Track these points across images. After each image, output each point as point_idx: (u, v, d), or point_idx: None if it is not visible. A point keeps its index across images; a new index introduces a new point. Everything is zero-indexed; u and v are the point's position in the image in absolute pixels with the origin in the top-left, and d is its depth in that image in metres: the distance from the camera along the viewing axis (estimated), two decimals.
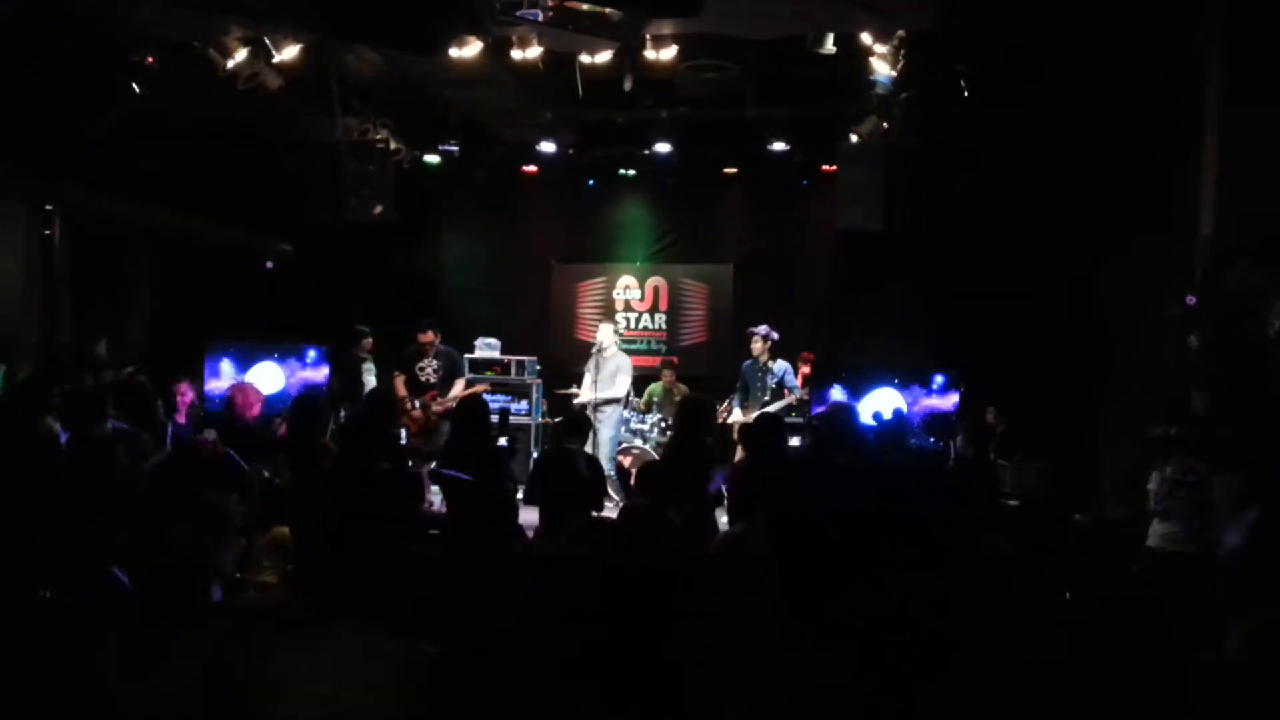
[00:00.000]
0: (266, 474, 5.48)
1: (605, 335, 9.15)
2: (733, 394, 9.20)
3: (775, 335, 8.90)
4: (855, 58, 7.31)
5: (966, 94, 7.60)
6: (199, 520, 4.36)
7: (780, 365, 8.82)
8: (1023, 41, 6.89)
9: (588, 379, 9.05)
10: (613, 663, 3.71)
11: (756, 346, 8.87)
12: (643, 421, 9.30)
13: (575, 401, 9.05)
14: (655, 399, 9.65)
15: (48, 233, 9.44)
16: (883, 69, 7.33)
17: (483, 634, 3.93)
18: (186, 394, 8.15)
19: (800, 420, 8.58)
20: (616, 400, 8.96)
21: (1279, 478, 4.66)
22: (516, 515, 5.59)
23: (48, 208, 9.34)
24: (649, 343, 11.54)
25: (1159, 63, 7.11)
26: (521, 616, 4.11)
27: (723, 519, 5.95)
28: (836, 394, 8.35)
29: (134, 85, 7.41)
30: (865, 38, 7.13)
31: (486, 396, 8.08)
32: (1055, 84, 7.61)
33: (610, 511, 6.14)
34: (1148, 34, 6.90)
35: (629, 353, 10.78)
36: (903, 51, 7.16)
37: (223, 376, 9.95)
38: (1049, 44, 6.92)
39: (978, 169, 9.02)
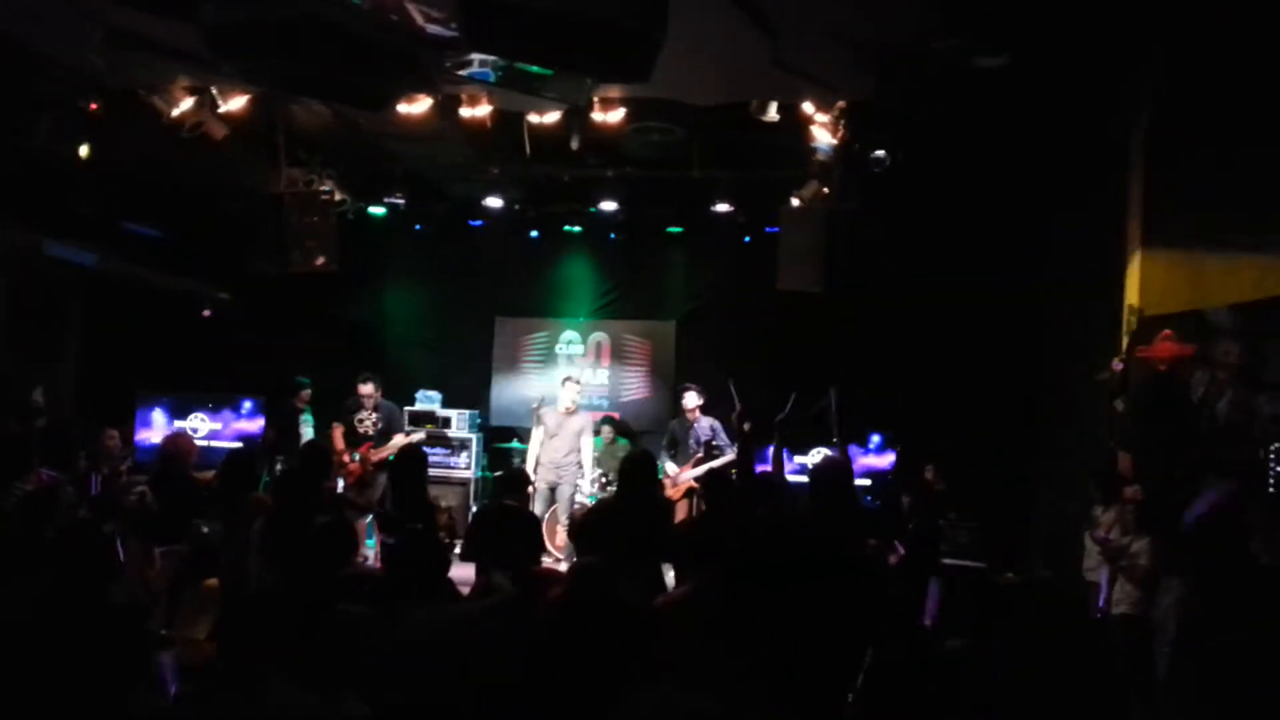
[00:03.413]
0: (205, 529, 5.36)
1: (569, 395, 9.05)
2: (661, 450, 9.17)
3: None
4: (798, 125, 7.50)
5: (903, 161, 7.85)
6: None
7: (708, 421, 8.87)
8: (958, 111, 7.13)
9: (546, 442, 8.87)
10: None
11: (690, 401, 8.84)
12: (582, 476, 9.28)
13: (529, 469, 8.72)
14: (596, 454, 9.64)
15: None
16: (824, 136, 7.52)
17: (418, 692, 3.88)
18: (114, 443, 7.96)
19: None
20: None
21: (1200, 543, 4.78)
22: (448, 570, 5.53)
23: None
24: (590, 397, 11.55)
25: (1089, 138, 7.41)
26: (458, 674, 4.06)
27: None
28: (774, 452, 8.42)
29: (76, 129, 7.33)
30: (807, 107, 7.33)
31: (425, 449, 7.99)
32: (989, 154, 7.88)
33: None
34: (1077, 104, 7.19)
35: None
36: (843, 120, 7.36)
37: (155, 426, 9.75)
38: (984, 112, 7.17)
39: (916, 234, 9.27)
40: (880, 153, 7.33)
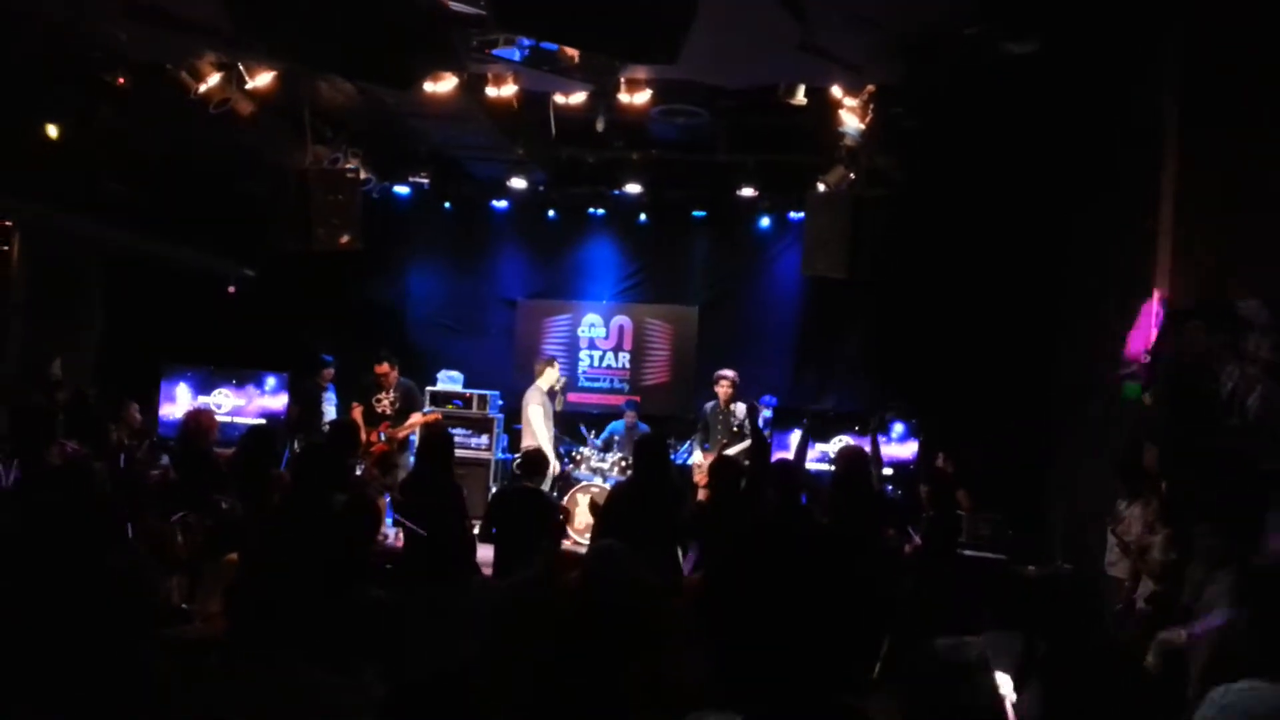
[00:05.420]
0: (224, 505, 5.39)
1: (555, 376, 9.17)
2: (693, 436, 9.21)
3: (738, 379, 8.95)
4: (825, 109, 7.43)
5: (929, 147, 7.78)
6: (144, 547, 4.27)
7: (741, 409, 8.84)
8: (987, 98, 7.05)
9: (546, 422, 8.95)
10: (569, 702, 3.67)
11: (723, 390, 8.86)
12: (603, 460, 9.27)
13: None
14: (616, 438, 9.63)
15: (5, 248, 9.28)
16: (852, 121, 7.44)
17: (438, 670, 3.88)
18: (135, 417, 8.02)
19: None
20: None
21: (1249, 543, 4.70)
22: (474, 551, 5.54)
23: (7, 223, 9.19)
24: (611, 381, 11.53)
25: (1118, 126, 7.30)
26: (479, 653, 4.06)
27: None
28: (795, 439, 8.39)
29: (102, 104, 7.35)
30: (836, 90, 7.26)
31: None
32: (1017, 143, 7.78)
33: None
34: (1107, 93, 7.09)
35: (591, 391, 10.79)
36: (872, 105, 7.28)
37: (178, 401, 9.82)
38: (1012, 101, 7.09)
39: (942, 221, 9.17)
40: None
